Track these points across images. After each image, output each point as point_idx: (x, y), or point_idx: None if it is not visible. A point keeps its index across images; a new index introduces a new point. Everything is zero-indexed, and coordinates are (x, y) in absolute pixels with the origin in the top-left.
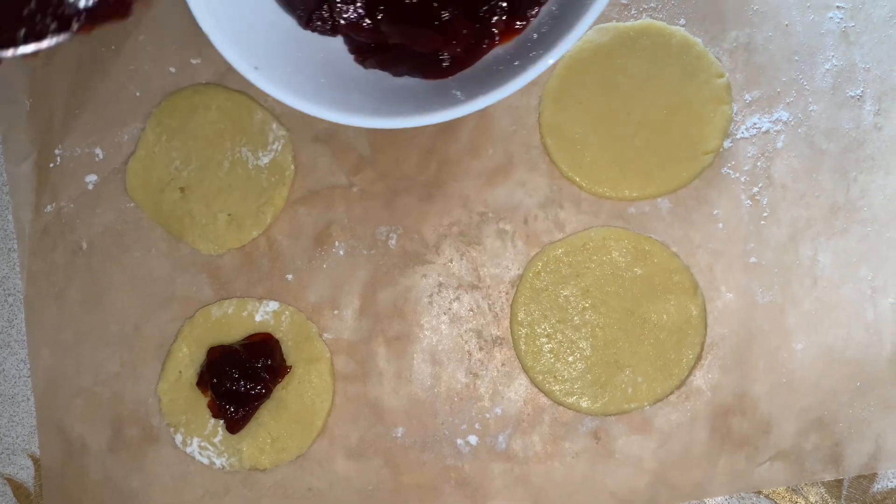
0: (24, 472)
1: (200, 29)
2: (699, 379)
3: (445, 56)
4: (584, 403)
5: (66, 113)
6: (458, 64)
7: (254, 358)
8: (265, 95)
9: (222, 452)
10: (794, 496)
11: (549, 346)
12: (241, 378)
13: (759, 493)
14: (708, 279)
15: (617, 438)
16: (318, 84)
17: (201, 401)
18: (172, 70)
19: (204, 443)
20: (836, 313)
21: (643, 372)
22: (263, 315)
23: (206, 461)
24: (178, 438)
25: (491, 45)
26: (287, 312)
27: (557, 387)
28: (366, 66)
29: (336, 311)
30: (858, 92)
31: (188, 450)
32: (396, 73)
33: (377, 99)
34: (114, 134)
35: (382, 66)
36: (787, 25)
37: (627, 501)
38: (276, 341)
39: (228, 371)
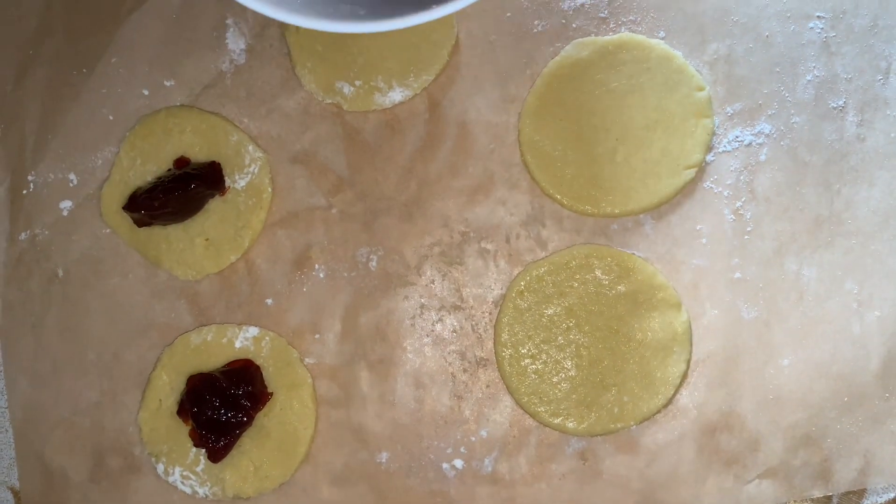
0: None
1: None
2: (685, 397)
3: None
4: (570, 424)
5: (38, 138)
6: None
7: (234, 385)
8: (240, 117)
9: (205, 481)
10: None
11: (534, 366)
12: (222, 406)
13: None
14: (692, 296)
15: (604, 459)
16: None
17: (183, 430)
18: (146, 92)
19: (186, 472)
20: (822, 328)
21: (629, 391)
22: (243, 341)
23: (188, 490)
24: (161, 468)
25: None
26: (267, 338)
27: (543, 408)
28: None
29: (317, 336)
30: (841, 103)
31: (171, 479)
32: None
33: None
34: (87, 158)
35: None
36: (767, 36)
37: None
38: (257, 367)
39: (209, 399)
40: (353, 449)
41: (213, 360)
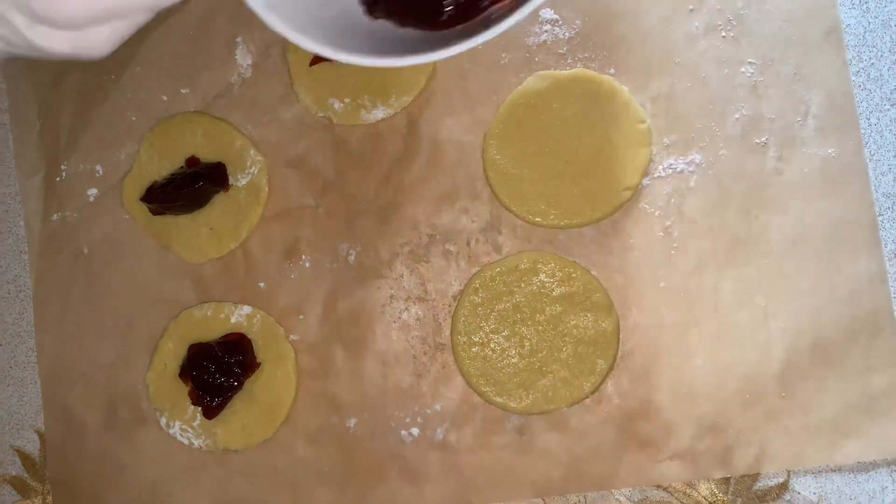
0: (31, 445)
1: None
2: (611, 387)
3: (449, 7)
4: (511, 403)
5: (72, 134)
6: (461, 16)
7: (228, 355)
8: (245, 124)
9: (200, 435)
10: (689, 489)
11: (483, 353)
12: (217, 372)
13: (659, 486)
14: (622, 299)
15: (538, 435)
16: (328, 30)
17: (183, 390)
18: (164, 98)
19: (184, 426)
20: (732, 334)
21: (562, 378)
22: (238, 317)
23: (186, 442)
24: (163, 421)
25: (493, 2)
26: (258, 316)
27: (488, 388)
28: (374, 17)
29: (301, 316)
30: (764, 139)
31: (171, 431)
32: (401, 24)
33: (380, 44)
34: (112, 153)
35: (388, 14)
36: (704, 78)
37: (544, 489)
38: (249, 340)
39: (206, 365)
40: (326, 414)
41: (211, 333)
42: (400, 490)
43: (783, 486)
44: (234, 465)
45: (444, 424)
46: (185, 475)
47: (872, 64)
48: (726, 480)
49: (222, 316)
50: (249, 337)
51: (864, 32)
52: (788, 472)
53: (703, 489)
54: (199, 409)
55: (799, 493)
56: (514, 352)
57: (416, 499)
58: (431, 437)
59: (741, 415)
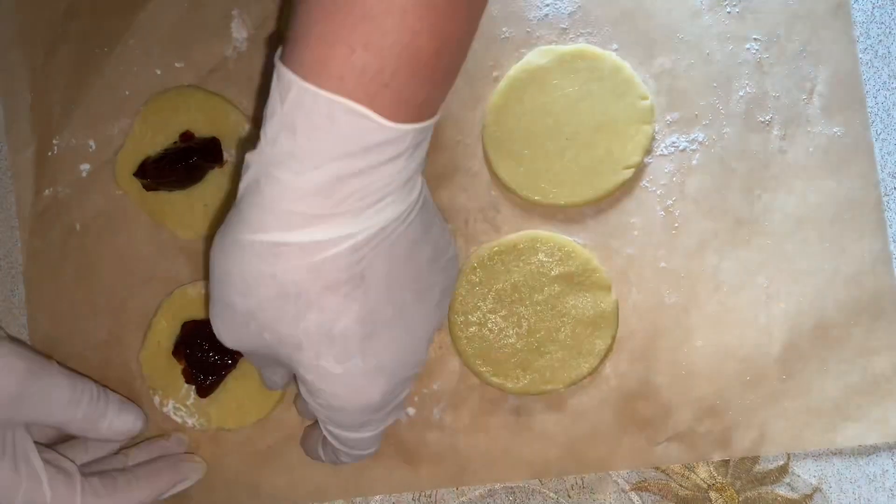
0: None
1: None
2: (609, 368)
3: None
4: (509, 384)
5: (64, 107)
6: None
7: None
8: (239, 99)
9: (193, 413)
10: (687, 472)
11: (481, 332)
12: (211, 350)
13: (657, 468)
14: (622, 280)
15: (535, 416)
16: None
17: (176, 368)
18: (158, 72)
19: (178, 405)
20: (733, 316)
21: (560, 359)
22: None
23: (179, 420)
24: (157, 400)
25: None
26: None
27: (486, 368)
28: None
29: None
30: (768, 118)
31: (164, 410)
32: None
33: None
34: (105, 128)
35: None
36: (708, 54)
37: (541, 471)
38: None
39: (200, 343)
40: None
41: (205, 311)
42: (396, 469)
43: (783, 469)
44: (228, 444)
45: (441, 404)
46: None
47: (880, 41)
48: (725, 463)
49: None
50: None
51: (873, 8)
52: (788, 454)
53: (702, 472)
54: (193, 387)
55: (799, 476)
56: (511, 332)
57: (411, 478)
58: (428, 417)
59: (741, 397)
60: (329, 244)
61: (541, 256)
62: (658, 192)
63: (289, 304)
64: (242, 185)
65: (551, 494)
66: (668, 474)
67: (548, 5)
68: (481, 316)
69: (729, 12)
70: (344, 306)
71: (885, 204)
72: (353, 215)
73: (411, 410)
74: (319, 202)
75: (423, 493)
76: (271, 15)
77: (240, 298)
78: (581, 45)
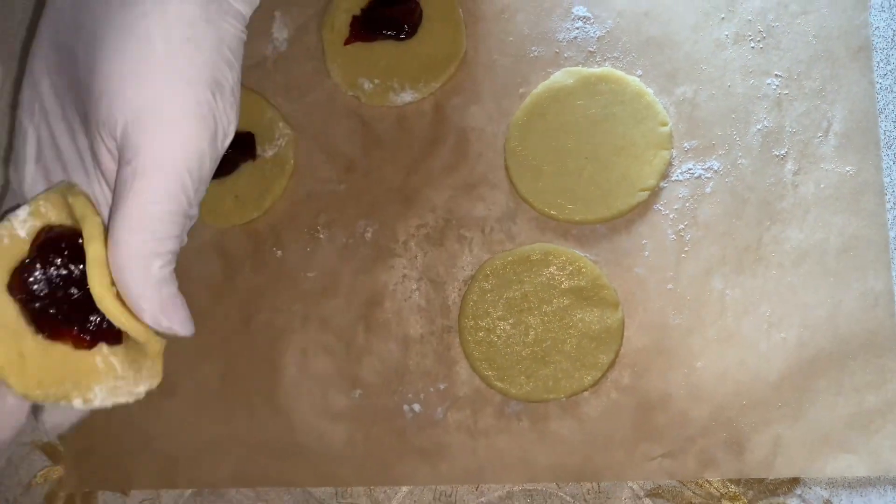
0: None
1: None
2: (610, 382)
3: None
4: (512, 389)
5: None
6: None
7: None
8: (275, 97)
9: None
10: (701, 480)
11: (489, 338)
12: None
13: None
14: (630, 298)
15: (536, 422)
16: None
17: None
18: None
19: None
20: (735, 340)
21: (564, 369)
22: None
23: (124, 400)
24: (77, 402)
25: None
26: None
27: (491, 372)
28: None
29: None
30: (783, 152)
31: (96, 404)
32: None
33: None
34: None
35: None
36: (729, 87)
37: (534, 478)
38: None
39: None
40: (339, 388)
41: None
42: (394, 465)
43: (795, 480)
44: (254, 444)
45: (445, 404)
46: (208, 449)
47: None
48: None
49: None
50: None
51: (894, 35)
52: None
53: (715, 481)
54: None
55: (811, 489)
56: (518, 339)
57: (409, 474)
58: (432, 415)
59: (735, 420)
60: None
61: (552, 269)
62: (671, 216)
63: None
64: None
65: (568, 498)
66: (682, 482)
67: (577, 28)
68: (491, 322)
69: (752, 47)
70: None
71: (894, 244)
72: None
73: (417, 407)
74: None
75: (444, 493)
76: (312, 18)
77: None
78: (606, 69)
